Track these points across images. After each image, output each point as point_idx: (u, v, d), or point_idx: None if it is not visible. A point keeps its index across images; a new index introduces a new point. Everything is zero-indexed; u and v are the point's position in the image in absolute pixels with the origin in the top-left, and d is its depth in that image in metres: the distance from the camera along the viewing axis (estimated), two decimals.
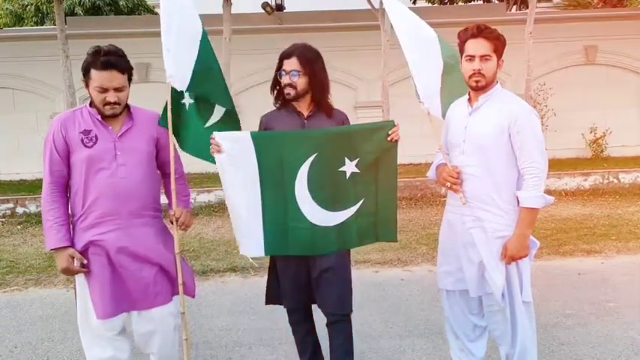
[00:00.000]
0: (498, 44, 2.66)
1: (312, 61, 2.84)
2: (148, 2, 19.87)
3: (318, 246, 2.82)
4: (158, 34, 2.70)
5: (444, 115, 2.99)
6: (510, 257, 2.66)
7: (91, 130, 2.62)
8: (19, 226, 8.01)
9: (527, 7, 11.05)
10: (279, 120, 2.93)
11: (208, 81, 2.85)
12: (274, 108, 3.00)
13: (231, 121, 2.96)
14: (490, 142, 2.67)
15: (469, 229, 2.74)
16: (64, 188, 2.68)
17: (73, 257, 2.61)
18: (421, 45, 2.97)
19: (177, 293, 2.79)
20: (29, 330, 4.20)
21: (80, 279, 2.69)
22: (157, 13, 16.93)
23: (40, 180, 2.86)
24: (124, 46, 2.71)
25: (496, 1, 17.14)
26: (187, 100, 2.86)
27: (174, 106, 2.79)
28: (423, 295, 4.65)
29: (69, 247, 2.61)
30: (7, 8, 19.22)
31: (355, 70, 12.63)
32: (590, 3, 18.59)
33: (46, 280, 5.40)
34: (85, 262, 2.62)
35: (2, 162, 11.99)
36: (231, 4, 10.14)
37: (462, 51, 2.73)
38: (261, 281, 3.24)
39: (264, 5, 12.59)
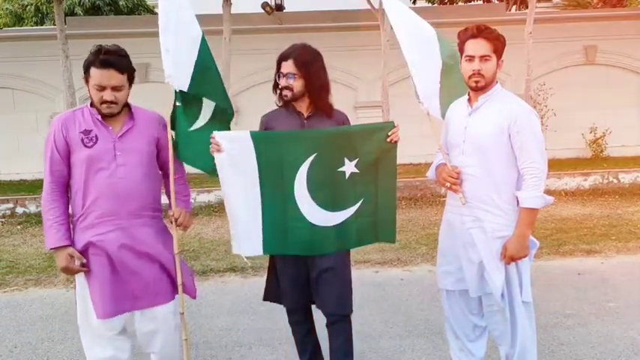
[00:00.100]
0: (498, 44, 2.66)
1: (308, 64, 2.83)
2: (148, 2, 19.87)
3: (317, 246, 2.82)
4: (158, 34, 2.71)
5: (443, 116, 2.99)
6: (510, 257, 2.66)
7: (91, 130, 2.62)
8: (19, 226, 8.01)
9: (527, 7, 11.05)
10: (279, 120, 2.93)
11: (208, 83, 2.85)
12: (274, 108, 3.00)
13: (218, 124, 2.90)
14: (490, 142, 2.67)
15: (469, 229, 2.74)
16: (65, 188, 2.68)
17: (73, 256, 2.61)
18: (421, 45, 2.97)
19: (178, 293, 2.79)
20: (29, 330, 4.20)
21: (80, 278, 2.69)
22: (156, 13, 16.89)
23: (40, 180, 2.86)
24: (123, 46, 2.70)
25: (496, 1, 17.14)
26: (177, 103, 2.83)
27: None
28: (422, 295, 4.65)
29: (68, 246, 2.61)
30: (7, 8, 19.22)
31: (355, 70, 12.64)
32: (589, 3, 18.59)
33: (46, 280, 5.40)
34: (85, 261, 2.63)
35: (2, 162, 12.00)
36: (231, 4, 10.14)
37: (461, 51, 2.73)
38: (261, 281, 3.23)
39: (264, 5, 12.60)
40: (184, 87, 2.77)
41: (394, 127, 2.77)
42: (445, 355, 3.31)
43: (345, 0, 12.61)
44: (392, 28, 3.01)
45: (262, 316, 4.20)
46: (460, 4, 17.65)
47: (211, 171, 2.85)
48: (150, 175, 2.74)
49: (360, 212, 2.84)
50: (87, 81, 2.61)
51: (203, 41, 2.83)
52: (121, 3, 18.53)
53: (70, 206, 2.70)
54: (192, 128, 2.85)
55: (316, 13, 12.66)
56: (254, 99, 11.56)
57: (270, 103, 3.02)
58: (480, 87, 2.68)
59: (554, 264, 5.48)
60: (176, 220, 2.76)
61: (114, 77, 2.57)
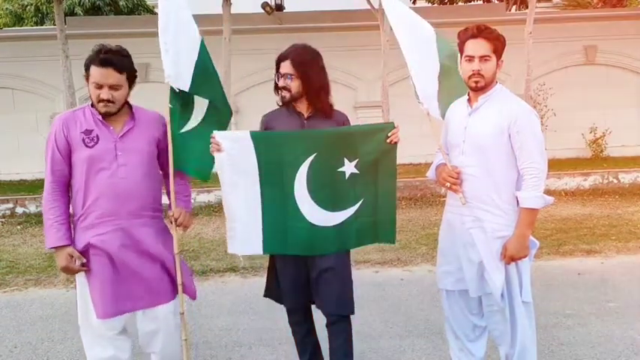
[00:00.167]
0: (498, 44, 2.66)
1: (305, 64, 2.82)
2: (148, 2, 19.87)
3: (317, 246, 2.82)
4: (158, 34, 2.71)
5: (443, 116, 2.99)
6: (510, 257, 2.66)
7: (92, 130, 2.63)
8: (18, 226, 8.01)
9: (527, 7, 11.05)
10: (279, 120, 2.93)
11: (207, 84, 2.85)
12: (274, 108, 3.00)
13: (209, 126, 2.85)
14: (490, 142, 2.67)
15: (469, 229, 2.74)
16: (66, 187, 2.69)
17: (73, 256, 2.61)
18: (420, 45, 2.96)
19: (178, 293, 2.79)
20: (29, 330, 4.20)
21: (81, 278, 2.69)
22: (156, 13, 16.87)
23: (40, 180, 2.87)
24: (123, 46, 2.71)
25: (496, 1, 17.14)
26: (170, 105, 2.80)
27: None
28: (422, 295, 4.65)
29: (68, 245, 2.62)
30: (7, 8, 19.22)
31: (355, 70, 12.64)
32: (589, 3, 18.59)
33: (45, 280, 5.40)
34: (85, 261, 2.63)
35: (2, 162, 12.00)
36: (231, 4, 10.14)
37: (461, 51, 2.73)
38: (261, 281, 3.24)
39: (264, 5, 12.60)
40: (185, 87, 2.77)
41: (394, 128, 2.78)
42: (445, 355, 3.31)
43: (345, 0, 12.61)
44: (392, 28, 3.01)
45: (262, 316, 4.20)
46: (460, 4, 17.65)
47: (197, 174, 2.82)
48: (150, 175, 2.74)
49: (360, 212, 2.84)
50: (87, 79, 2.62)
51: (202, 44, 2.84)
52: (121, 3, 18.53)
53: (70, 206, 2.70)
54: (183, 130, 2.83)
55: (316, 13, 12.66)
56: (254, 99, 11.57)
57: (269, 103, 3.02)
58: (479, 87, 2.68)
59: (554, 264, 5.48)
60: (176, 220, 2.76)
61: (111, 76, 2.57)
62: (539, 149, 2.65)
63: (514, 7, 16.95)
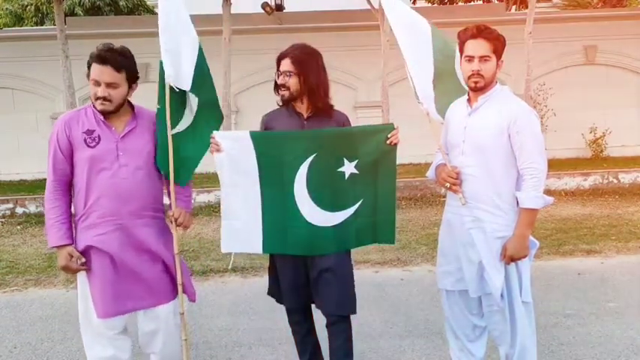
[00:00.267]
0: (498, 45, 2.66)
1: (304, 62, 2.82)
2: (148, 2, 19.87)
3: (317, 246, 2.82)
4: (158, 34, 2.70)
5: (442, 116, 2.98)
6: (510, 258, 2.66)
7: (94, 130, 2.63)
8: (18, 227, 8.01)
9: (527, 7, 11.05)
10: (279, 120, 2.93)
11: (204, 86, 2.85)
12: (274, 108, 3.00)
13: (200, 128, 2.84)
14: (489, 142, 2.67)
15: (469, 229, 2.74)
16: (67, 187, 2.69)
17: (72, 255, 2.61)
18: (420, 45, 2.97)
19: (178, 293, 2.79)
20: (29, 330, 4.20)
21: (82, 277, 2.69)
22: (156, 13, 16.88)
23: (40, 180, 2.87)
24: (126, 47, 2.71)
25: (496, 1, 17.13)
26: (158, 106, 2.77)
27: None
28: (422, 295, 4.65)
29: (69, 245, 2.62)
30: (7, 8, 19.23)
31: (355, 70, 12.64)
32: (589, 3, 18.60)
33: (45, 281, 5.40)
34: (84, 260, 2.63)
35: (2, 162, 12.00)
36: (230, 4, 10.14)
37: (461, 51, 2.73)
38: (261, 281, 3.24)
39: (264, 5, 12.59)
40: (187, 86, 2.77)
41: (394, 129, 2.78)
42: (445, 355, 3.31)
43: (345, 0, 12.60)
44: (391, 28, 3.01)
45: (262, 316, 4.20)
46: (460, 4, 17.65)
47: (176, 178, 2.76)
48: (151, 176, 2.74)
49: (360, 213, 2.84)
50: (88, 78, 2.62)
51: (199, 47, 2.84)
52: (121, 3, 18.53)
53: (72, 205, 2.71)
54: (173, 131, 2.77)
55: (316, 13, 12.66)
56: (254, 99, 11.58)
57: (269, 103, 3.02)
58: (479, 87, 2.67)
59: (554, 264, 5.48)
60: (176, 220, 2.76)
61: (109, 74, 2.57)
62: (539, 149, 2.65)
63: (514, 7, 16.94)
